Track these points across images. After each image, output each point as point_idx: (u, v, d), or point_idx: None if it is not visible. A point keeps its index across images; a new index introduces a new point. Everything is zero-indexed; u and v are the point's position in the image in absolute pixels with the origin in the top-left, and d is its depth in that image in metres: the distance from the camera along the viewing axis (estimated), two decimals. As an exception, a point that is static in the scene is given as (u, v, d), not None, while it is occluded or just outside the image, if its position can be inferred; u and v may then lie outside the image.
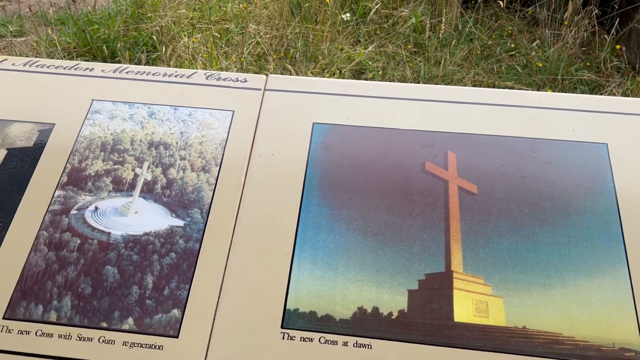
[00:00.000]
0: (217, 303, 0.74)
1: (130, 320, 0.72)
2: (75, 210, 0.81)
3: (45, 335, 0.71)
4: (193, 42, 2.58)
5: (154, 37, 2.77)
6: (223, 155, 0.86)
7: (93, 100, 0.92)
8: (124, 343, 0.71)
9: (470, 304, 0.72)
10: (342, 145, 0.86)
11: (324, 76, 2.55)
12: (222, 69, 2.46)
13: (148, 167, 0.85)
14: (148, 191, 0.83)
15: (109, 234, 0.79)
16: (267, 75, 0.95)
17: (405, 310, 0.72)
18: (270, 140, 0.87)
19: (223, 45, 2.69)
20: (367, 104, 0.90)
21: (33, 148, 0.87)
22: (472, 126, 0.87)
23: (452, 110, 0.89)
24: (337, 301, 0.73)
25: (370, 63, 2.68)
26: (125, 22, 2.94)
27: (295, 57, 2.66)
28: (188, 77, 0.94)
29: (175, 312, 0.73)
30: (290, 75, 2.46)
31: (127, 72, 0.95)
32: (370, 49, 2.69)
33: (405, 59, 2.64)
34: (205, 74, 0.94)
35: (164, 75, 0.94)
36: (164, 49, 2.59)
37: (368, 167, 0.84)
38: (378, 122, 0.88)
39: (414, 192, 0.81)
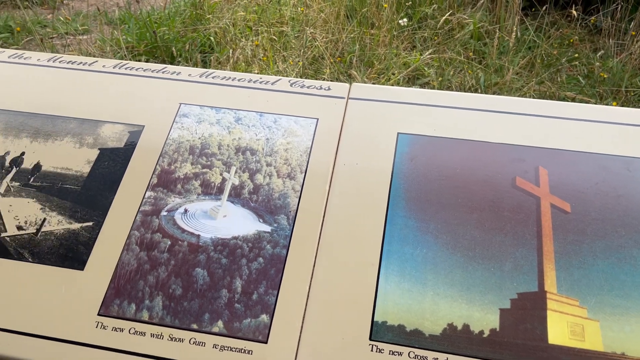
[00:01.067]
0: (305, 310, 0.74)
1: (220, 323, 0.73)
2: (166, 211, 0.83)
3: (138, 333, 0.73)
4: (256, 44, 2.61)
5: (211, 38, 2.82)
6: (308, 162, 0.86)
7: (181, 103, 0.94)
8: (214, 345, 0.72)
9: (565, 326, 0.70)
10: (428, 156, 0.85)
11: (380, 81, 2.54)
12: (279, 72, 2.49)
13: (235, 172, 0.86)
14: (236, 195, 0.84)
15: (198, 236, 0.80)
16: (350, 83, 0.95)
17: (497, 329, 0.70)
18: (354, 149, 0.87)
19: (279, 48, 2.72)
20: (453, 115, 0.89)
21: (124, 149, 0.89)
22: (564, 142, 0.84)
23: (542, 124, 0.87)
24: (426, 316, 0.72)
25: (426, 69, 2.65)
26: (183, 23, 3.01)
27: (351, 62, 2.65)
28: (273, 83, 0.95)
29: (264, 317, 0.73)
30: (350, 80, 2.46)
31: (213, 77, 0.96)
32: (427, 54, 2.66)
33: (465, 66, 2.60)
34: (289, 81, 0.95)
35: (249, 82, 0.95)
36: (223, 50, 2.63)
37: (455, 180, 0.82)
38: (465, 134, 0.87)
39: (505, 208, 0.79)
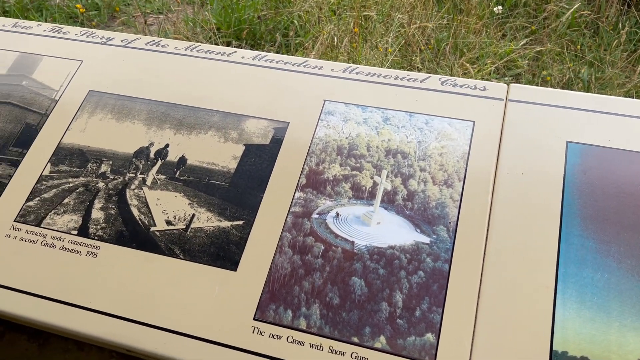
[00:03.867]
0: (474, 332, 0.69)
1: (382, 338, 0.70)
2: (317, 214, 0.80)
3: (296, 342, 0.71)
4: (339, 29, 2.54)
5: (295, 21, 2.78)
6: (466, 169, 0.80)
7: (325, 100, 0.90)
8: (378, 362, 0.68)
9: None
10: (603, 169, 0.78)
11: (472, 72, 2.43)
12: (366, 59, 2.42)
13: (387, 176, 0.81)
14: (389, 202, 0.80)
15: (352, 242, 0.77)
16: (508, 84, 0.88)
17: (698, 371, 0.63)
18: (517, 157, 0.80)
19: (364, 34, 2.64)
20: (629, 124, 0.81)
21: (270, 146, 0.86)
22: None
23: None
24: (612, 349, 0.66)
25: (519, 60, 2.52)
26: (264, 4, 2.97)
27: (439, 49, 2.55)
28: (422, 81, 0.89)
29: (430, 336, 0.69)
30: (438, 69, 2.37)
31: (357, 73, 0.92)
32: (522, 44, 2.52)
33: (562, 58, 2.45)
34: (440, 79, 0.89)
35: (395, 79, 0.90)
36: (307, 34, 2.58)
37: (637, 198, 0.75)
38: (645, 146, 0.79)
39: (699, 234, 0.71)
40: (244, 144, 0.87)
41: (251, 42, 2.75)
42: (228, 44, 2.69)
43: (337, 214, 0.79)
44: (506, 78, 2.48)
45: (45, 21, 2.99)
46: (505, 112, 0.85)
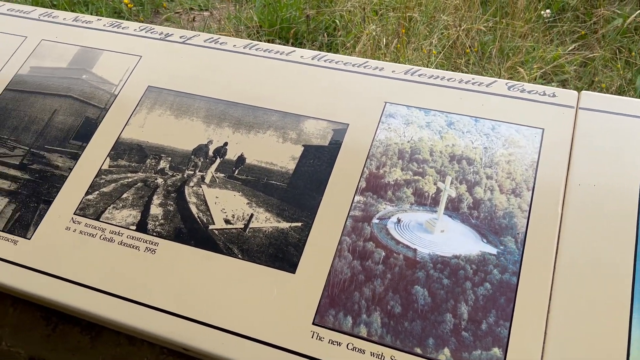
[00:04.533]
0: (543, 350, 0.66)
1: (446, 351, 0.67)
2: (377, 219, 0.78)
3: (357, 350, 0.69)
4: (382, 30, 2.51)
5: (336, 21, 2.76)
6: (535, 178, 0.77)
7: (386, 102, 0.88)
8: (441, 375, 0.66)
9: None
10: (684, 184, 0.74)
11: (517, 77, 2.37)
12: (409, 61, 2.39)
13: (451, 183, 0.79)
14: (453, 209, 0.77)
15: (415, 250, 0.75)
16: (579, 91, 0.84)
17: None
18: (589, 167, 0.77)
19: (406, 35, 2.61)
20: None
21: (329, 147, 0.85)
22: None
23: None
24: (695, 375, 0.62)
25: (567, 65, 2.45)
26: (307, 3, 2.97)
27: (484, 53, 2.50)
28: (487, 85, 0.87)
29: (496, 351, 0.66)
30: (483, 72, 2.32)
31: (419, 75, 0.90)
32: (569, 49, 2.45)
33: (618, 65, 2.37)
34: (506, 84, 0.86)
35: (459, 82, 0.88)
36: (349, 34, 2.56)
37: None
38: None
39: None
40: (303, 145, 0.86)
41: (292, 41, 2.75)
42: (270, 43, 2.69)
43: (399, 220, 0.77)
44: (553, 84, 2.41)
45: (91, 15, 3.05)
46: (576, 120, 0.81)
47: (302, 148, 0.86)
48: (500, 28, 2.60)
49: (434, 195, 0.79)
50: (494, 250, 0.73)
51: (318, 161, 0.84)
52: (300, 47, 2.72)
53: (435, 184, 0.79)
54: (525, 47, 2.51)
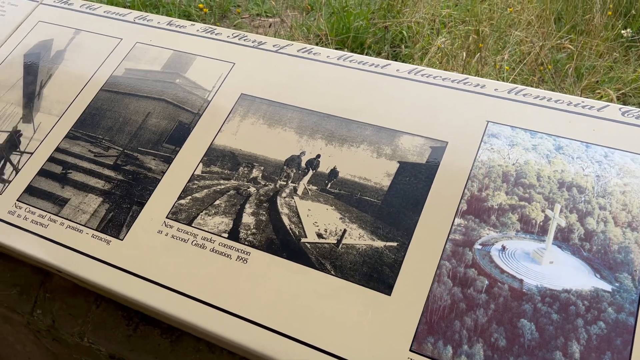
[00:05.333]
0: (667, 401, 0.61)
1: (556, 392, 0.63)
2: (480, 244, 0.74)
3: (457, 382, 0.66)
4: (453, 43, 2.45)
5: (403, 32, 2.73)
6: (655, 213, 0.72)
7: (488, 121, 0.84)
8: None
9: None
10: None
11: (593, 97, 2.27)
12: (480, 76, 2.33)
13: (561, 211, 0.74)
14: (563, 240, 0.73)
15: (521, 281, 0.71)
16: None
17: None
18: None
19: (474, 49, 2.55)
20: None
21: (426, 165, 0.82)
22: None
23: None
24: None
25: (646, 88, 2.32)
26: (372, 13, 2.95)
27: (556, 71, 2.41)
28: (599, 109, 0.82)
29: (614, 398, 0.61)
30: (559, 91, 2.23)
31: (524, 95, 0.85)
32: (651, 71, 2.33)
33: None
34: (620, 109, 0.81)
35: (568, 104, 0.83)
36: (417, 46, 2.53)
37: None
38: None
39: None
40: (398, 161, 0.83)
41: (357, 51, 2.74)
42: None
43: (503, 247, 0.73)
44: (632, 106, 2.29)
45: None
46: (701, 151, 0.75)
47: (398, 164, 0.83)
48: (575, 46, 2.50)
49: (541, 224, 0.74)
50: (608, 287, 0.68)
51: (415, 179, 0.81)
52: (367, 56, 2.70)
53: (543, 211, 0.75)
54: (603, 67, 2.41)
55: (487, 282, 0.71)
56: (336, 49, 2.71)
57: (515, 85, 0.86)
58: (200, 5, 2.57)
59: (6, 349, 1.37)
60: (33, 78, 1.08)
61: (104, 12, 1.17)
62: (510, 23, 2.65)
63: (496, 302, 0.70)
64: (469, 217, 0.77)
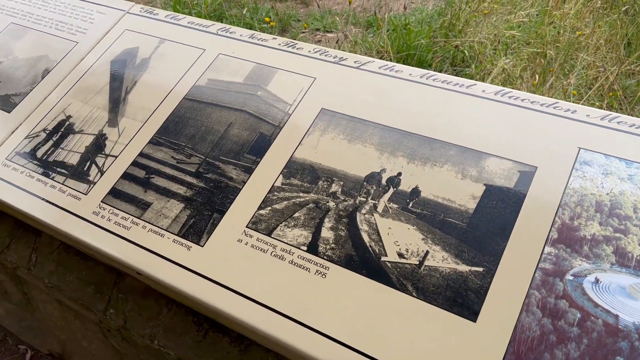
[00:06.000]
0: None
1: None
2: (571, 275, 0.71)
3: (547, 418, 0.63)
4: (515, 65, 2.39)
5: (465, 52, 2.70)
6: None
7: (580, 148, 0.81)
8: None
9: None
10: None
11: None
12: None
13: (661, 246, 0.71)
14: (664, 277, 0.69)
15: (616, 316, 0.67)
16: None
17: None
18: None
19: (539, 71, 2.49)
20: None
21: (514, 190, 0.80)
22: None
23: None
24: None
25: None
26: (434, 31, 2.93)
27: (625, 97, 2.32)
28: (703, 141, 0.78)
29: None
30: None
31: (618, 122, 0.82)
32: None
33: None
34: None
35: (668, 134, 0.79)
36: (479, 67, 2.49)
37: None
38: None
39: None
40: (485, 184, 0.82)
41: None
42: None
43: (597, 280, 0.70)
44: None
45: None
46: None
47: (484, 187, 0.81)
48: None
49: (638, 257, 0.71)
50: None
51: (502, 203, 0.79)
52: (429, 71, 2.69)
53: (640, 244, 0.72)
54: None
55: (579, 315, 0.68)
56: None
57: (608, 112, 0.83)
58: (267, 19, 2.62)
59: (72, 345, 1.42)
60: (119, 84, 1.12)
61: (188, 22, 1.21)
62: (577, 47, 2.58)
63: (589, 337, 0.67)
64: (559, 246, 0.74)
